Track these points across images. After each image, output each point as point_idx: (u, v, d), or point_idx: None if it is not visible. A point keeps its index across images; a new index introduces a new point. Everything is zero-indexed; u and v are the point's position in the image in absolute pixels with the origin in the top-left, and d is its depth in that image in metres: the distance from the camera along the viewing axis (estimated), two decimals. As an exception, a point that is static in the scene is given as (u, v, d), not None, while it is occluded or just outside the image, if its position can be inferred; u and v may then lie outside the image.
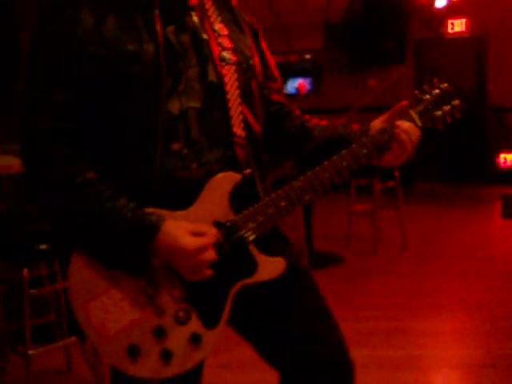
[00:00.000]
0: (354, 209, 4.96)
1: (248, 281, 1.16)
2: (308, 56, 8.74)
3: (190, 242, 1.08)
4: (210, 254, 1.10)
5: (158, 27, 1.13)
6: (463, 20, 7.62)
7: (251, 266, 1.16)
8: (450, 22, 7.63)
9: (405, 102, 1.34)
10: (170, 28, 1.15)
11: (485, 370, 2.74)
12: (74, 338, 2.62)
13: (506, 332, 3.10)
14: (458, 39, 7.82)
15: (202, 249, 1.09)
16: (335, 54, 7.86)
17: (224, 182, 1.15)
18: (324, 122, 1.40)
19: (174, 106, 1.14)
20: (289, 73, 8.87)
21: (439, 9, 6.78)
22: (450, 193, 7.56)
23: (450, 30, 7.69)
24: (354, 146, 1.23)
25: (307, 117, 1.41)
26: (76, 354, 2.75)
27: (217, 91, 1.18)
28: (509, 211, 5.91)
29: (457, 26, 7.64)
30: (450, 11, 7.25)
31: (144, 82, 1.11)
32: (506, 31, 7.62)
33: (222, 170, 1.16)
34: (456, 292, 3.80)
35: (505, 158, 7.72)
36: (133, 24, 1.12)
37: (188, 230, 1.09)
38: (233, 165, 1.18)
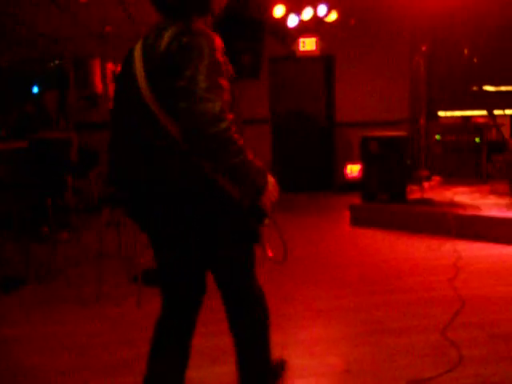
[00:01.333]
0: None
1: None
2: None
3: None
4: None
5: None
6: (314, 39, 8.05)
7: None
8: (301, 40, 8.01)
9: None
10: None
11: (342, 376, 2.89)
12: None
13: (361, 337, 3.30)
14: (309, 57, 8.25)
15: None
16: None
17: None
18: None
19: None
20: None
21: (292, 27, 7.09)
22: (302, 203, 7.93)
23: (301, 48, 8.08)
24: None
25: None
26: None
27: None
28: (356, 219, 6.35)
29: (308, 44, 8.05)
30: (302, 30, 7.60)
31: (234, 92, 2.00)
32: (350, 52, 8.21)
33: None
34: (311, 300, 3.96)
35: (351, 170, 8.28)
36: (224, 55, 1.98)
37: None
38: None
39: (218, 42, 1.95)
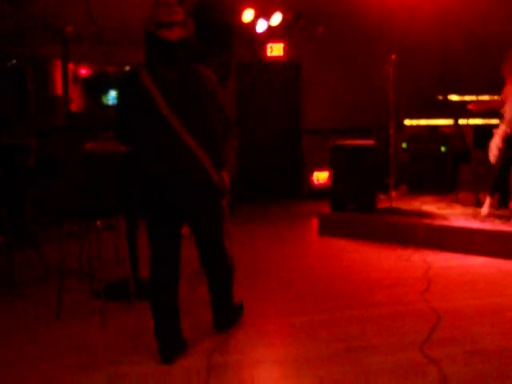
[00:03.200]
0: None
1: None
2: (128, 68, 8.46)
3: None
4: None
5: None
6: (281, 44, 7.97)
7: None
8: (269, 45, 7.92)
9: None
10: None
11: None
12: None
13: (337, 356, 3.17)
14: (276, 63, 8.16)
15: None
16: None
17: None
18: None
19: None
20: (107, 84, 8.51)
21: (260, 33, 6.99)
22: (268, 210, 7.82)
23: (269, 54, 7.99)
24: None
25: None
26: None
27: None
28: (324, 228, 6.27)
29: (275, 49, 7.96)
30: (270, 35, 7.53)
31: None
32: (318, 58, 8.16)
33: None
34: (282, 315, 3.82)
35: (318, 177, 8.22)
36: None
37: None
38: None
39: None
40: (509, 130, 5.56)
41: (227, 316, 3.48)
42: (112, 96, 8.58)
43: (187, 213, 3.14)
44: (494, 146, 5.64)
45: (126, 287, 3.97)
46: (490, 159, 5.71)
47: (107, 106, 8.47)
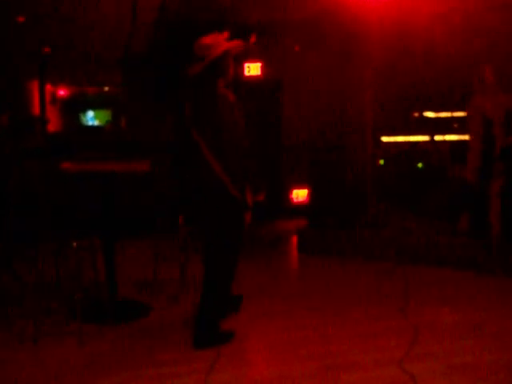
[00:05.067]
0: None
1: None
2: (107, 88, 8.47)
3: None
4: None
5: None
6: (258, 64, 8.04)
7: None
8: (246, 65, 7.98)
9: None
10: None
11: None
12: None
13: (317, 374, 3.15)
14: (254, 82, 8.22)
15: None
16: (137, 88, 7.74)
17: None
18: None
19: None
20: (86, 104, 8.49)
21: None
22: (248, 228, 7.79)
23: (246, 73, 8.05)
24: None
25: None
26: None
27: None
28: (304, 246, 6.27)
29: (253, 69, 8.03)
30: (248, 55, 7.58)
31: None
32: (297, 76, 8.24)
33: None
34: (261, 334, 3.80)
35: (297, 195, 8.25)
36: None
37: None
38: None
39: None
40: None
41: (200, 333, 3.49)
42: (90, 116, 8.56)
43: (197, 217, 3.60)
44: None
45: (103, 308, 3.92)
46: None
47: (85, 127, 8.45)
